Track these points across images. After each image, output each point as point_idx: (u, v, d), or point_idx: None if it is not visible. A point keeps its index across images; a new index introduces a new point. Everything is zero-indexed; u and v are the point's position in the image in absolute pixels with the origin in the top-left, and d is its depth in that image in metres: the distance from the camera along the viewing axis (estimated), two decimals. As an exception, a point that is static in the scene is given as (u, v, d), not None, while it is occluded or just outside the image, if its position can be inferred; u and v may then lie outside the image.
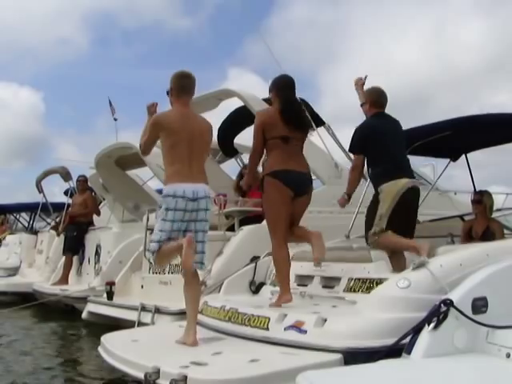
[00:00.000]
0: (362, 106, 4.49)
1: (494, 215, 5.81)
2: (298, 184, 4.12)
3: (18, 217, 15.05)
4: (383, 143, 4.21)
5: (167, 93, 3.88)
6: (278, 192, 4.05)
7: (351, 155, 4.73)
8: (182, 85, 3.83)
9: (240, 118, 7.06)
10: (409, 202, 4.12)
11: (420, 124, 5.38)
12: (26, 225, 13.84)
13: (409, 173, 4.27)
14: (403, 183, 4.09)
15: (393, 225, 4.00)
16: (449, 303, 2.87)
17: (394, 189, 4.06)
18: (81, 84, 49.84)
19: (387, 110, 4.49)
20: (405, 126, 4.65)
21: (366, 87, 4.54)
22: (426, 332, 2.83)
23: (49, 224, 12.37)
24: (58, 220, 10.75)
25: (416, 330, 2.91)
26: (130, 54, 56.34)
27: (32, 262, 11.02)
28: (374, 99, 4.40)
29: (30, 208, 13.34)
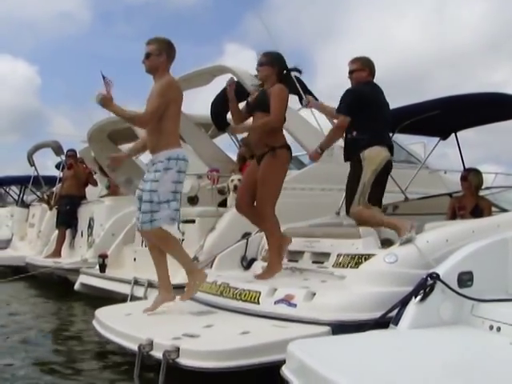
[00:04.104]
0: (352, 73, 4.42)
1: (483, 193, 5.87)
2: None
3: (7, 190, 14.95)
4: (373, 110, 4.24)
5: (147, 55, 3.92)
6: (287, 166, 4.29)
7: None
8: (174, 55, 4.02)
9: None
10: (387, 174, 4.29)
11: (416, 101, 5.40)
12: (16, 198, 13.74)
13: (391, 145, 4.34)
14: (386, 154, 4.17)
15: (372, 195, 4.07)
16: (435, 277, 2.95)
17: (379, 156, 4.12)
18: (80, 58, 49.12)
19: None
20: (401, 103, 4.72)
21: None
22: (413, 304, 2.91)
23: (39, 197, 12.30)
24: (48, 193, 10.71)
25: (403, 303, 2.98)
26: (131, 30, 55.40)
27: (24, 235, 10.99)
28: (373, 69, 4.45)
29: (21, 181, 13.22)
